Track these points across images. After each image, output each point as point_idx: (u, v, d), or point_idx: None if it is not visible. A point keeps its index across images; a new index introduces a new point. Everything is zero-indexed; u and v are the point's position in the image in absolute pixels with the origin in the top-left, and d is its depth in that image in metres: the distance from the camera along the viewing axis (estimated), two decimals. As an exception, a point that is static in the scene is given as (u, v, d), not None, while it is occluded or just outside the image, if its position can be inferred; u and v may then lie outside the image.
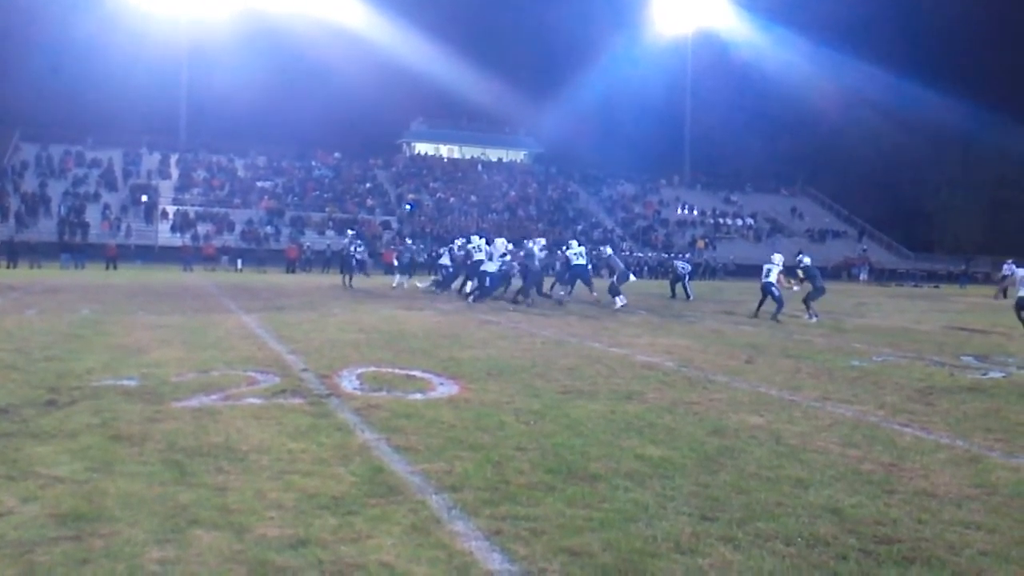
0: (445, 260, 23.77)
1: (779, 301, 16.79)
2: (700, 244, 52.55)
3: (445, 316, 15.37)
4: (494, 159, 64.84)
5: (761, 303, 17.47)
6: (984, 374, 9.52)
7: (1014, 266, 16.14)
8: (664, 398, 7.31)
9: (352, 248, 26.17)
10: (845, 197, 65.31)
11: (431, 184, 56.00)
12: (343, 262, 26.20)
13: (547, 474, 4.77)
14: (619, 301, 18.52)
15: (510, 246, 21.62)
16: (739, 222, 58.76)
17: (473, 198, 54.52)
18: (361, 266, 27.95)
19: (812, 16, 62.69)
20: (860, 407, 7.20)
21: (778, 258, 17.54)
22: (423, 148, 66.15)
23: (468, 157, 64.42)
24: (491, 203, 54.40)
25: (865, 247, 57.95)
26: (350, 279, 25.40)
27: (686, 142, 67.31)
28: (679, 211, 58.63)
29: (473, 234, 25.14)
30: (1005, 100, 59.70)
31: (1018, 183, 60.91)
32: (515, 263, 20.24)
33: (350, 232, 29.40)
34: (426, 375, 8.17)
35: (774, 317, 16.38)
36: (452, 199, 53.88)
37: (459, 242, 25.23)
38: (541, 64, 68.04)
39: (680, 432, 5.97)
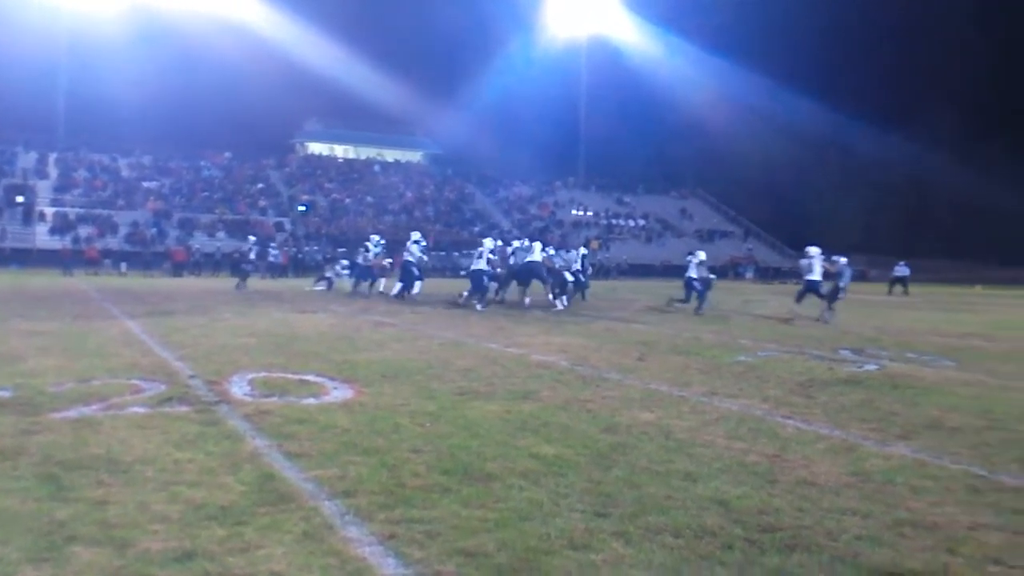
0: (360, 259, 23.44)
1: (701, 296, 17.59)
2: (594, 244, 53.30)
3: (340, 319, 15.15)
4: (390, 160, 64.33)
5: (689, 296, 18.24)
6: (860, 367, 10.01)
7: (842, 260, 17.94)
8: (559, 397, 7.40)
9: (250, 252, 26.05)
10: (732, 199, 67.67)
11: (326, 185, 55.10)
12: (235, 266, 25.93)
13: (442, 476, 4.76)
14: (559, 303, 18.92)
15: (499, 243, 21.66)
16: (632, 223, 60.01)
17: (369, 199, 53.92)
18: (279, 270, 27.51)
19: (701, 26, 64.92)
20: (745, 401, 7.47)
21: (701, 254, 18.59)
22: (317, 148, 65.06)
23: (364, 158, 63.69)
24: (387, 204, 53.93)
25: (751, 246, 60.08)
26: (243, 281, 25.13)
27: (581, 144, 68.38)
28: (574, 212, 59.44)
29: (414, 231, 24.66)
30: (880, 109, 64.15)
31: (892, 186, 64.34)
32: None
33: (252, 238, 28.98)
34: (320, 379, 8.04)
35: (697, 311, 17.11)
36: (347, 200, 53.14)
37: (375, 238, 24.69)
38: (438, 65, 67.91)
39: (574, 430, 6.06)
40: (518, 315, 16.98)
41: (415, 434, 5.80)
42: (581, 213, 59.45)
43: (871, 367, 10.00)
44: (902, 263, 34.32)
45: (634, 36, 64.24)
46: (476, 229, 51.02)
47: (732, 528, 4.02)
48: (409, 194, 56.59)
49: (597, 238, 55.03)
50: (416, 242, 21.08)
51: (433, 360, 9.65)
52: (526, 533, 3.87)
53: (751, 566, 3.57)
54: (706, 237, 59.91)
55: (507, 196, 60.74)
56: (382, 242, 24.15)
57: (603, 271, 47.01)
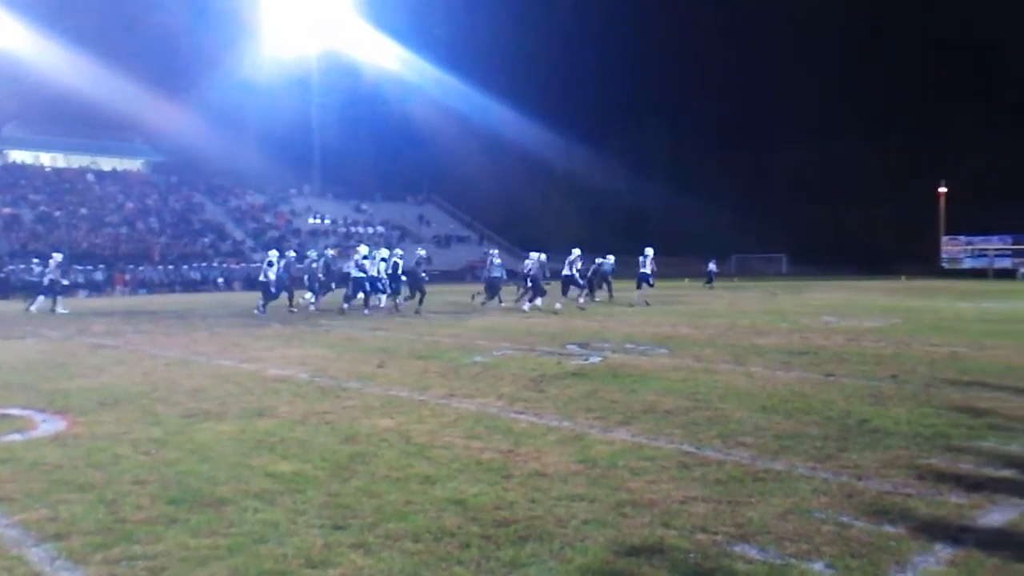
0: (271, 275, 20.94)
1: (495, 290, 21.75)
2: (334, 253, 52.63)
3: (52, 344, 13.77)
4: (107, 169, 59.39)
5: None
6: (585, 359, 10.68)
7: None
8: (296, 411, 7.22)
9: (54, 272, 23.23)
10: (466, 204, 69.71)
11: (31, 196, 49.80)
12: (47, 288, 23.33)
13: (169, 506, 4.48)
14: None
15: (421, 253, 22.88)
16: (370, 230, 59.80)
17: (83, 211, 49.44)
18: (55, 290, 24.07)
19: (432, 39, 66.58)
20: (482, 400, 7.71)
21: (495, 252, 22.73)
22: (19, 156, 58.60)
23: (76, 166, 58.31)
24: (105, 216, 49.76)
25: (487, 250, 62.02)
26: (53, 304, 22.66)
27: (316, 152, 67.11)
28: (311, 220, 58.20)
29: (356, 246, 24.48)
30: (597, 122, 71.04)
31: (608, 190, 69.47)
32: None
33: (57, 255, 25.31)
34: (26, 412, 7.26)
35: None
36: (58, 213, 48.35)
37: (273, 254, 22.11)
38: (159, 68, 63.08)
39: (312, 444, 5.94)
40: (256, 328, 16.33)
41: (138, 464, 5.41)
42: (319, 221, 58.34)
43: (595, 359, 10.69)
44: (713, 261, 38.90)
45: (368, 46, 64.09)
46: (206, 240, 48.51)
47: (469, 526, 4.13)
48: (130, 205, 52.55)
49: (336, 246, 54.24)
50: (366, 257, 21.46)
51: (159, 382, 9.05)
52: (261, 556, 3.73)
53: (487, 562, 3.69)
54: (444, 242, 61.02)
55: (240, 205, 58.19)
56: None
57: (343, 279, 46.55)
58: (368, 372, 9.71)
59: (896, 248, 63.92)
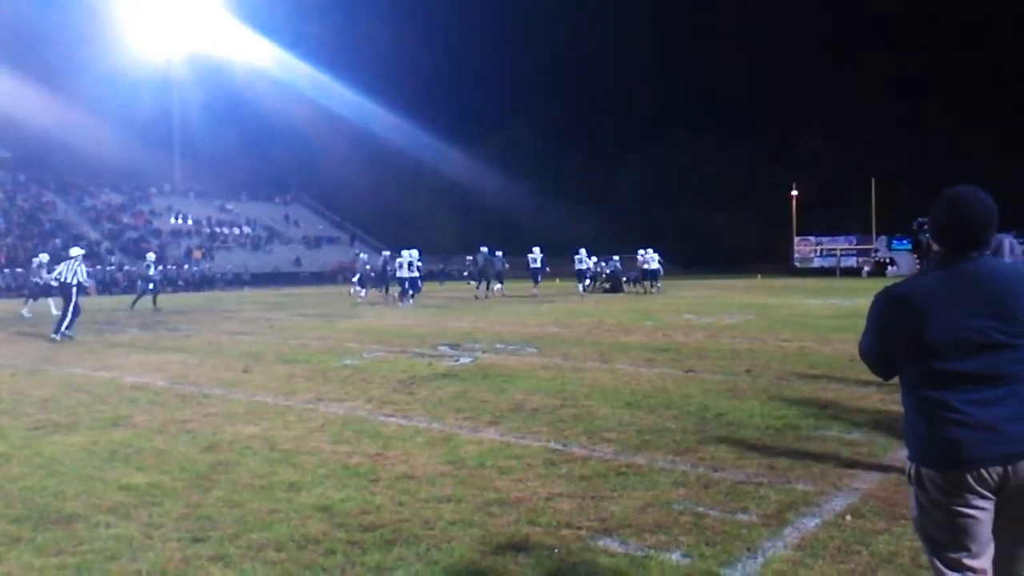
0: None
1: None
2: (197, 254, 50.76)
3: None
4: (-55, 165, 55.24)
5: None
6: (456, 360, 10.70)
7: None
8: (154, 420, 6.94)
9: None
10: (337, 204, 68.62)
11: None
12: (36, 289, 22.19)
13: (12, 524, 4.23)
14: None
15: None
16: (236, 231, 57.97)
17: (-84, 210, 45.84)
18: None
19: (303, 37, 65.42)
20: (351, 403, 7.61)
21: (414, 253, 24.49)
22: None
23: (-91, 164, 53.97)
24: (-57, 216, 46.31)
25: (358, 251, 61.17)
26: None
27: (175, 150, 64.55)
28: (173, 221, 55.88)
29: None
30: (468, 125, 72.94)
31: (478, 191, 70.06)
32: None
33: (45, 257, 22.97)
34: None
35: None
36: None
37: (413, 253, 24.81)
38: (4, 58, 59.23)
39: (171, 454, 5.72)
40: (112, 334, 15.57)
41: (-22, 481, 5.08)
42: (181, 222, 56.08)
43: (466, 360, 10.74)
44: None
45: (236, 43, 62.10)
46: (58, 242, 45.81)
47: (335, 532, 4.08)
48: (-30, 204, 49.12)
49: (200, 247, 52.33)
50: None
51: (3, 393, 8.52)
52: (112, 574, 3.58)
53: (353, 567, 3.66)
54: (313, 243, 59.85)
55: (95, 204, 55.23)
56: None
57: (207, 281, 44.99)
58: (232, 378, 9.43)
59: (754, 248, 67.09)
